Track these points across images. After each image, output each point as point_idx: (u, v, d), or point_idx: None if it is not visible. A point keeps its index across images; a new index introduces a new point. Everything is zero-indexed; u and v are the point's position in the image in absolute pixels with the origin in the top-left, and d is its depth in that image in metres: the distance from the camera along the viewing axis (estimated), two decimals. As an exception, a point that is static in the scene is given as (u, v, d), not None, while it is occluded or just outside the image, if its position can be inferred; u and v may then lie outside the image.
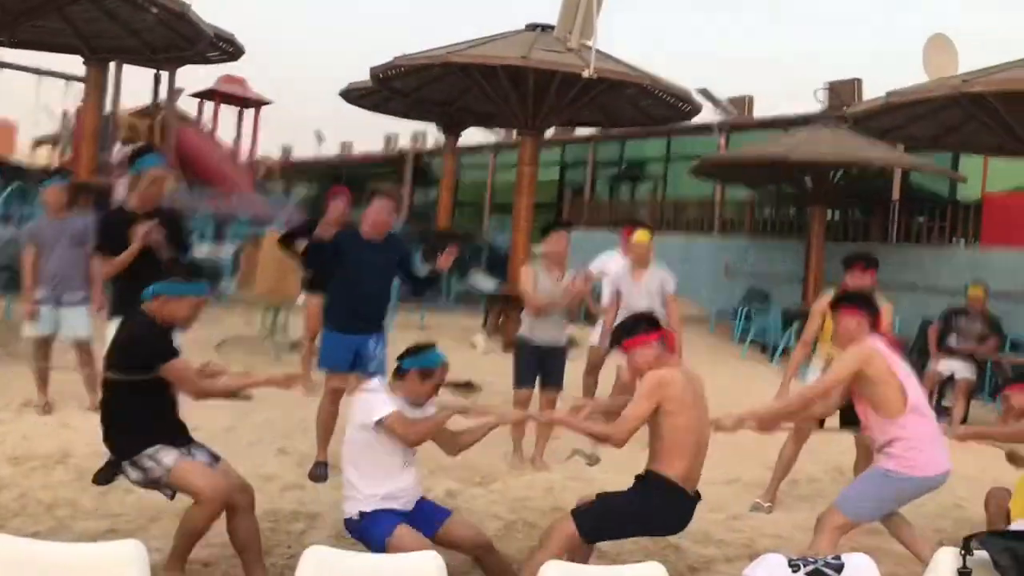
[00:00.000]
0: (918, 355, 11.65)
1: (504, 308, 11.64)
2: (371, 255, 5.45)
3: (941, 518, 5.96)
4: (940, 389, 9.07)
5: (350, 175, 34.01)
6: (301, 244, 7.88)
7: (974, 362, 9.17)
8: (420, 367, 4.09)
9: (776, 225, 16.85)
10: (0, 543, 2.47)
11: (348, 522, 4.06)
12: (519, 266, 11.85)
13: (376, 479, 3.95)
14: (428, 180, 30.50)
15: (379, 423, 3.91)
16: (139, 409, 3.95)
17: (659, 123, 14.62)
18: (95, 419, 6.07)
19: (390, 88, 13.37)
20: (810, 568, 3.05)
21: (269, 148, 28.46)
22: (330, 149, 35.33)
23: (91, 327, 6.41)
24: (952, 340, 9.19)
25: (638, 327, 4.11)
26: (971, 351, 9.12)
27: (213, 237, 12.47)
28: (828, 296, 5.90)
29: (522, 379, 6.32)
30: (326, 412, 5.38)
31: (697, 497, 4.05)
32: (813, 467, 6.90)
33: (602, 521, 3.93)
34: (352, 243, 5.47)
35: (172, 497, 4.10)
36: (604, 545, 4.45)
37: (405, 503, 4.02)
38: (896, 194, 15.98)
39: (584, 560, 4.00)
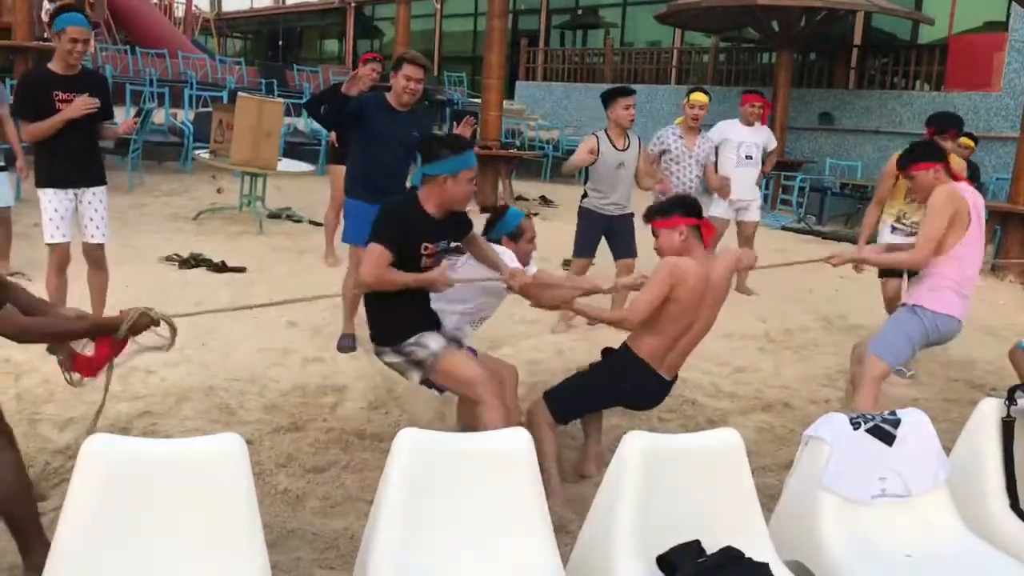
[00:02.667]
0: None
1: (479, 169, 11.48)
2: (396, 124, 5.20)
3: (949, 367, 6.20)
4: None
5: (287, 28, 32.61)
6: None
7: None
8: (506, 233, 4.25)
9: (739, 72, 16.68)
10: (97, 442, 2.44)
11: None
12: (493, 124, 11.68)
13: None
14: (371, 31, 29.38)
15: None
16: (400, 295, 3.69)
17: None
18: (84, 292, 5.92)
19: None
20: (870, 424, 3.18)
21: (197, 1, 26.94)
22: (262, 1, 33.70)
23: (11, 195, 6.24)
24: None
25: (673, 210, 3.90)
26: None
27: (169, 101, 11.95)
28: (897, 155, 5.97)
29: (582, 248, 6.30)
30: (352, 285, 5.25)
31: (672, 379, 4.03)
32: (804, 317, 7.12)
33: (572, 403, 3.99)
34: (377, 108, 5.17)
35: (440, 390, 3.99)
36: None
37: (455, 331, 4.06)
38: (858, 38, 15.88)
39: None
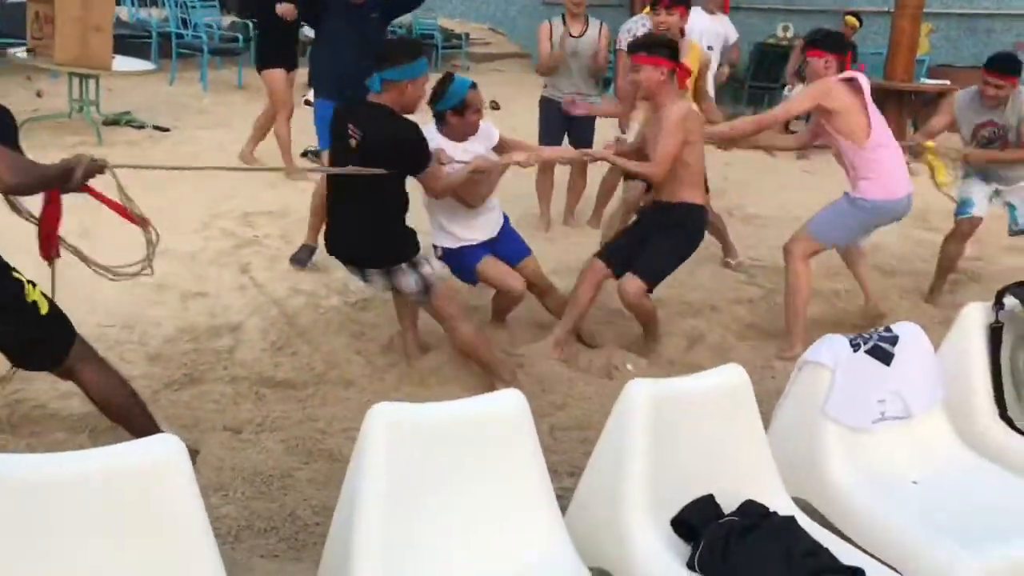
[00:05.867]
0: (752, 79, 11.87)
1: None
2: (355, 16, 4.77)
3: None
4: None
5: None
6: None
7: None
8: (451, 107, 3.96)
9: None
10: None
11: (436, 250, 4.17)
12: None
13: (453, 219, 4.09)
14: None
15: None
16: (403, 210, 3.83)
17: None
18: None
19: None
20: (870, 345, 2.93)
21: None
22: None
23: None
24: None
25: (659, 48, 4.04)
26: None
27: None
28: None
29: (547, 137, 5.94)
30: (321, 196, 4.52)
31: None
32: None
33: (661, 263, 4.17)
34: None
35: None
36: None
37: (486, 234, 4.19)
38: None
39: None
